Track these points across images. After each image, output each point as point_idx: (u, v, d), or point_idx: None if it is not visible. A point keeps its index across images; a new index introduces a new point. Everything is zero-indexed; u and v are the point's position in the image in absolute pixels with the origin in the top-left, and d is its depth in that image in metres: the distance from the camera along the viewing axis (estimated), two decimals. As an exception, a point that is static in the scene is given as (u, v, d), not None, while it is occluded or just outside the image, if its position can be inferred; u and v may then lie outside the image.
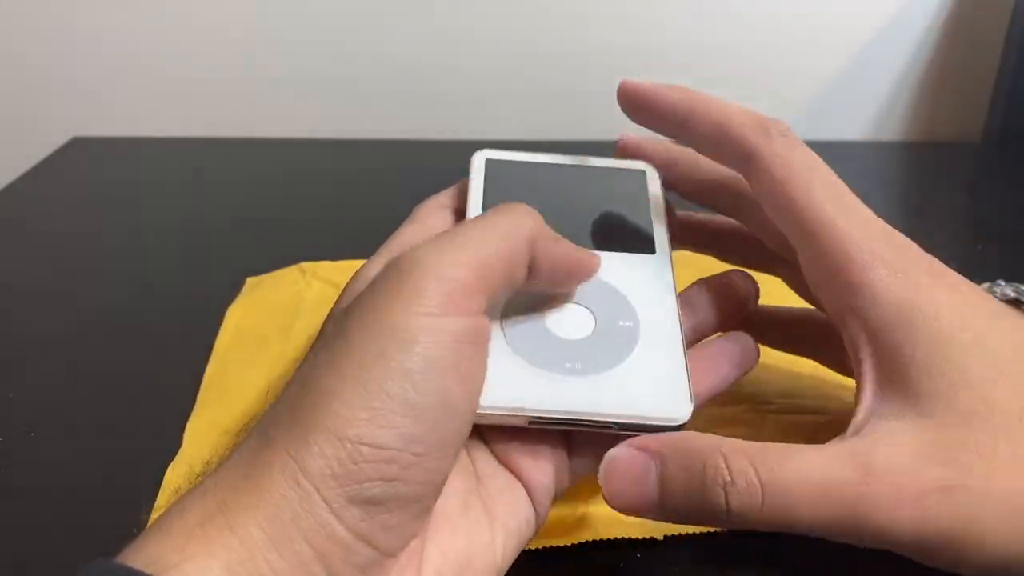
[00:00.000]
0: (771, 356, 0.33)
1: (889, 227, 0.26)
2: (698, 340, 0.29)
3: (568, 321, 0.27)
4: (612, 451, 0.23)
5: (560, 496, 0.26)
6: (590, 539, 0.27)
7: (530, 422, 0.24)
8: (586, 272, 0.27)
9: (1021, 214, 0.52)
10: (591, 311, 0.27)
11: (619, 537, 0.27)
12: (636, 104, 0.30)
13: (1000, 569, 0.22)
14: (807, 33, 0.66)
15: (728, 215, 0.32)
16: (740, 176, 0.31)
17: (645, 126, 0.30)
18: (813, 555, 0.27)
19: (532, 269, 0.24)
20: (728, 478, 0.22)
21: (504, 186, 0.31)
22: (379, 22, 0.65)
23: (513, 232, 0.24)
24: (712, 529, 0.28)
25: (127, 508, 0.29)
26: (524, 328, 0.26)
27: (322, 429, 0.20)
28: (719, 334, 0.29)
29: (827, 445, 0.23)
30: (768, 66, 0.67)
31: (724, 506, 0.22)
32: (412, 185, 0.60)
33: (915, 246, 0.26)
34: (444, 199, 0.31)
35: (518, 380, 0.25)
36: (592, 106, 0.69)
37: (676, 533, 0.28)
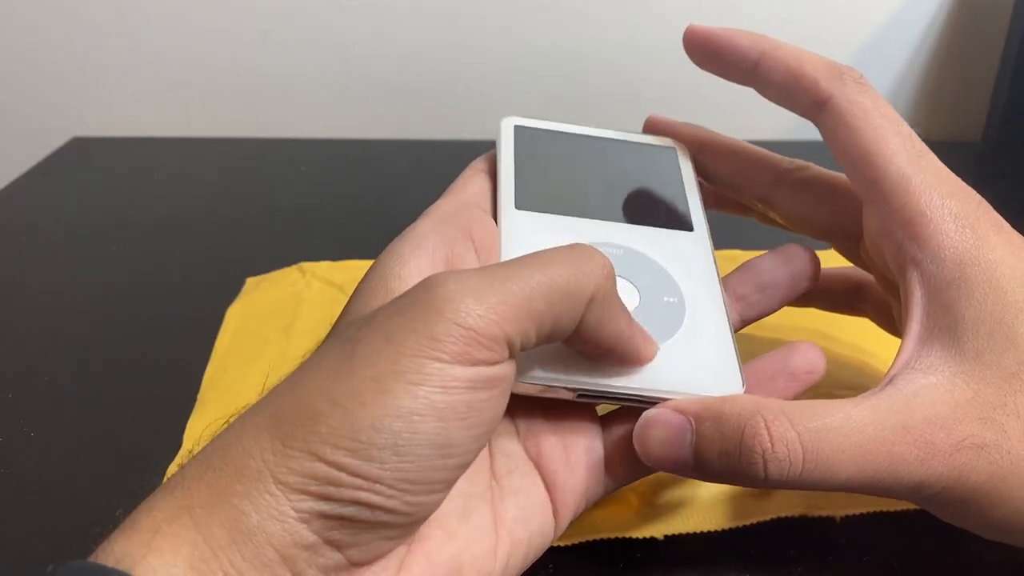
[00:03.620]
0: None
1: (960, 181, 0.26)
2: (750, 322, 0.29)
3: None
4: (648, 412, 0.23)
5: (588, 506, 0.25)
6: (590, 539, 0.27)
7: (578, 395, 0.24)
8: (638, 359, 0.24)
9: (1021, 214, 0.52)
10: (635, 285, 0.26)
11: (619, 537, 0.27)
12: (704, 50, 0.29)
13: (1019, 531, 0.23)
14: (807, 33, 0.66)
15: (757, 202, 0.31)
16: (776, 158, 0.31)
17: (713, 72, 0.30)
18: (812, 555, 0.27)
19: (580, 328, 0.22)
20: (769, 445, 0.21)
21: (534, 155, 0.30)
22: (381, 22, 0.65)
23: (571, 284, 0.21)
24: (712, 529, 0.28)
25: (127, 508, 0.29)
26: None
27: (302, 447, 0.19)
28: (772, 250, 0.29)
29: (863, 399, 0.23)
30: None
31: (762, 472, 0.22)
32: (413, 185, 0.61)
33: (985, 202, 0.26)
34: (482, 164, 0.30)
35: (564, 351, 0.23)
36: (593, 106, 0.69)
37: (676, 533, 0.28)
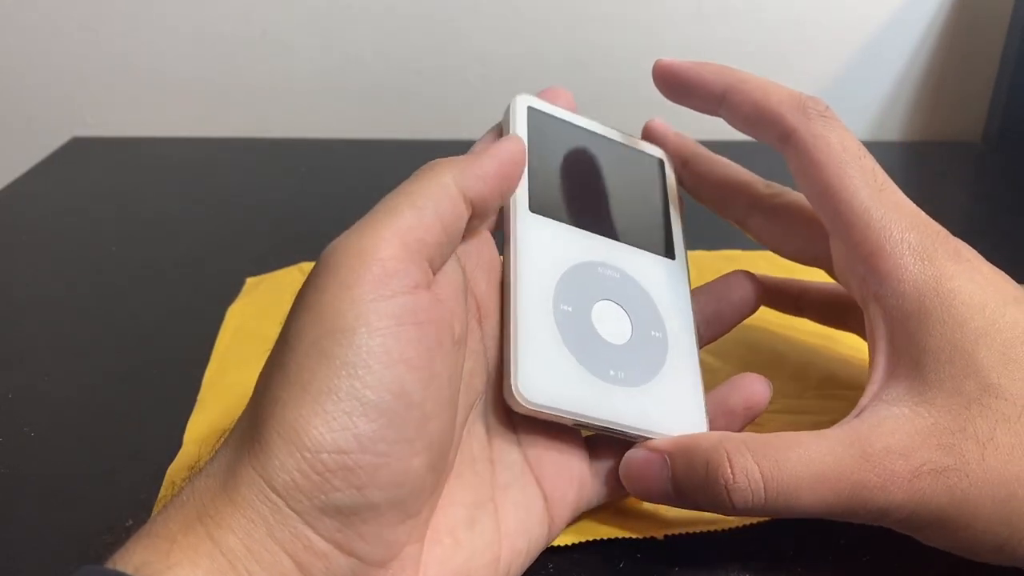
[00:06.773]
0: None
1: (920, 212, 0.27)
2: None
3: (609, 320, 0.27)
4: (630, 452, 0.26)
5: (578, 514, 0.27)
6: (590, 539, 0.27)
7: (575, 424, 0.26)
8: (517, 164, 0.26)
9: (1021, 214, 0.52)
10: (627, 313, 0.28)
11: (619, 537, 0.27)
12: (672, 83, 0.30)
13: (990, 550, 0.23)
14: (807, 33, 0.66)
15: (736, 221, 0.32)
16: (753, 182, 0.31)
17: (682, 104, 0.30)
18: (812, 555, 0.27)
19: (474, 207, 0.25)
20: (730, 476, 0.23)
21: (544, 148, 0.30)
22: (381, 22, 0.65)
23: (436, 189, 0.24)
24: (712, 529, 0.28)
25: (127, 508, 0.29)
26: (573, 322, 0.27)
27: (279, 441, 0.19)
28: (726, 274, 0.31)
29: (829, 431, 0.24)
30: (768, 67, 0.67)
31: (728, 501, 0.23)
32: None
33: (943, 231, 0.26)
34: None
35: (570, 380, 0.25)
36: (592, 106, 0.69)
37: (676, 533, 0.28)
